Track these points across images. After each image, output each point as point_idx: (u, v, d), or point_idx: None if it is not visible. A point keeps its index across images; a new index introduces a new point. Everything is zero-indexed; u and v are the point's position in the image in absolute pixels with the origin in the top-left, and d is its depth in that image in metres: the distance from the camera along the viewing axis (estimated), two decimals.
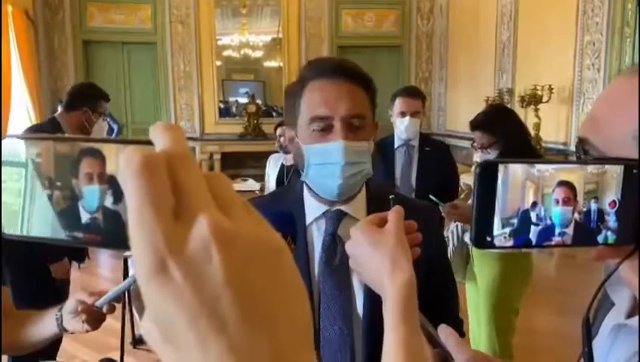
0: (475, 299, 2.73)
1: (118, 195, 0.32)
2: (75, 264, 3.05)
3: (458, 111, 8.77)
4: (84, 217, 0.33)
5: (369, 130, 1.08)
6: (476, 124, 2.54)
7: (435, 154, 3.00)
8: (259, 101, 9.12)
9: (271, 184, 3.49)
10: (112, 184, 0.32)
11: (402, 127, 2.89)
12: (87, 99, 2.70)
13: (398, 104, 2.91)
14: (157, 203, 0.26)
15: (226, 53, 9.24)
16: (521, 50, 7.23)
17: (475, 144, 2.55)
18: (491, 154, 2.47)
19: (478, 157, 2.56)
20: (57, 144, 0.33)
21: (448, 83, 9.22)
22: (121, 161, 0.27)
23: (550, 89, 6.28)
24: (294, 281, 0.29)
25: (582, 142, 0.61)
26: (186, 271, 0.25)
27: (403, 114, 2.88)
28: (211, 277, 0.25)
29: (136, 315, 3.51)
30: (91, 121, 2.68)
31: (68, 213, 0.33)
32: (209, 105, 9.16)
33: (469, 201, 2.58)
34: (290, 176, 3.30)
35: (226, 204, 0.28)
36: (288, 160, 3.42)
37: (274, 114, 9.27)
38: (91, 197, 0.32)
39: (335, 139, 1.02)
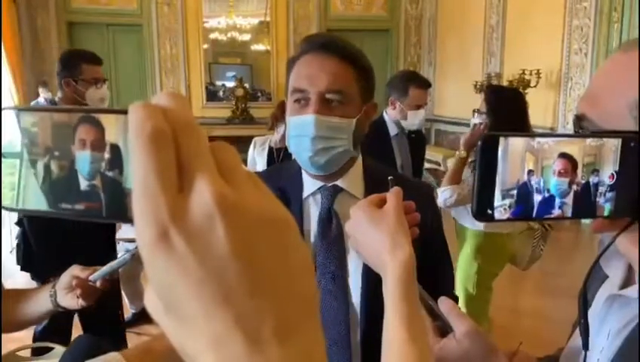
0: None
1: (118, 164, 0.31)
2: None
3: (446, 96, 8.78)
4: (83, 184, 0.32)
5: (353, 107, 1.08)
6: (488, 87, 2.56)
7: (418, 141, 3.06)
8: (246, 85, 9.05)
9: (257, 168, 3.28)
10: (112, 152, 0.31)
11: (417, 121, 2.83)
12: (64, 69, 2.41)
13: (415, 96, 2.79)
14: (162, 174, 0.26)
15: (212, 36, 9.12)
16: (510, 35, 7.25)
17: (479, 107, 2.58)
18: (476, 119, 2.53)
19: (473, 120, 2.60)
20: (54, 113, 0.33)
21: (437, 67, 9.22)
22: (131, 128, 0.26)
23: (538, 74, 6.31)
24: (300, 251, 0.28)
25: (579, 118, 0.61)
26: (189, 240, 0.25)
27: (419, 107, 2.81)
28: (215, 246, 0.25)
29: (125, 298, 3.51)
30: (79, 91, 2.38)
31: (66, 183, 0.33)
32: (196, 89, 9.07)
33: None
34: (282, 158, 3.19)
35: (230, 174, 0.27)
36: (275, 142, 3.31)
37: (261, 98, 9.21)
38: (83, 163, 0.32)
39: (309, 112, 1.05)
